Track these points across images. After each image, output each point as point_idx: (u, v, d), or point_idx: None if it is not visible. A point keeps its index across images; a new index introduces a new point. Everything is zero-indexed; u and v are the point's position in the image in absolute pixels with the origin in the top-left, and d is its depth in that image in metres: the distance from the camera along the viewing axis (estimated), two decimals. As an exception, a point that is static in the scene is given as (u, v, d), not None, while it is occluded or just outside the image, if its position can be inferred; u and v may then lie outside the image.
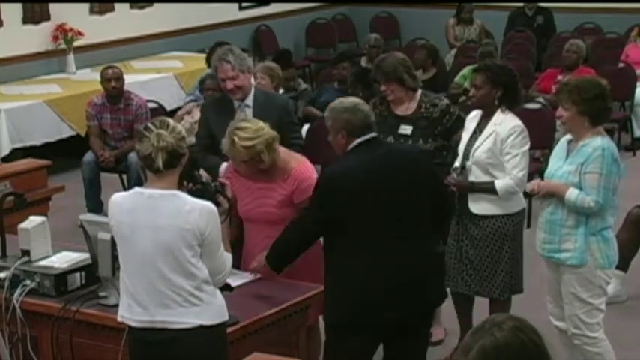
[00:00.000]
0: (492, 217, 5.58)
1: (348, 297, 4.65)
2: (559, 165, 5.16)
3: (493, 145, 5.50)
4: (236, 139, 4.97)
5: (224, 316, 4.25)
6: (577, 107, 5.03)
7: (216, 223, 4.15)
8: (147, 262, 4.12)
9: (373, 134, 4.75)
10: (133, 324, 4.21)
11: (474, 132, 5.64)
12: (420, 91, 6.02)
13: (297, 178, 5.08)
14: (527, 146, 5.54)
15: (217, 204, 4.32)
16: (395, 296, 4.60)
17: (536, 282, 6.04)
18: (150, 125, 4.15)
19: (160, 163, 4.07)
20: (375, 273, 4.60)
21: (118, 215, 4.18)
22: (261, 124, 5.07)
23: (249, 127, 5.01)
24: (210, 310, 4.18)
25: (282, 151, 5.17)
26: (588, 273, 5.10)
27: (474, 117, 5.71)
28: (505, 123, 5.52)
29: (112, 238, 4.35)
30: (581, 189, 5.03)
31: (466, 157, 5.61)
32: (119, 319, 4.28)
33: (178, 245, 4.08)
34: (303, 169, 5.14)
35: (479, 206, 5.58)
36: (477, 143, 5.56)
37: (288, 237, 4.82)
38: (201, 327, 4.15)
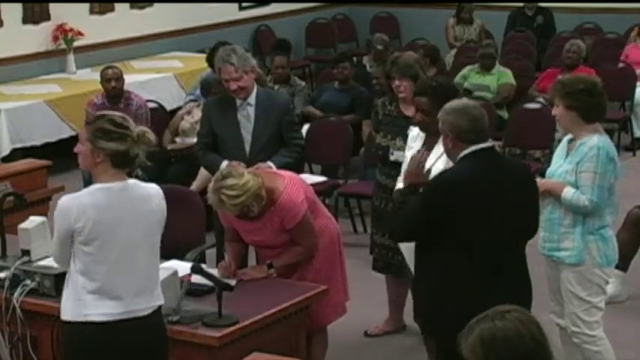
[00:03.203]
0: None
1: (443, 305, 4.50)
2: (559, 164, 5.18)
3: (446, 165, 5.07)
4: (224, 197, 4.89)
5: None
6: (564, 102, 5.07)
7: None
8: (127, 253, 4.18)
9: (489, 144, 4.57)
10: (104, 319, 4.19)
11: (418, 152, 5.23)
12: None
13: (282, 209, 5.05)
14: None
15: None
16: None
17: (537, 282, 6.03)
18: (123, 122, 4.19)
19: (143, 159, 4.21)
20: (470, 286, 4.46)
21: (91, 215, 4.14)
22: (245, 176, 4.94)
23: (236, 184, 4.89)
24: (160, 291, 4.32)
25: (266, 177, 5.09)
26: (586, 271, 5.11)
27: (416, 136, 5.45)
28: None
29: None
30: (577, 187, 5.04)
31: None
32: (81, 318, 4.19)
33: (154, 229, 4.27)
34: (287, 197, 5.06)
35: None
36: (428, 164, 5.14)
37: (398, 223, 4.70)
38: (159, 307, 4.31)
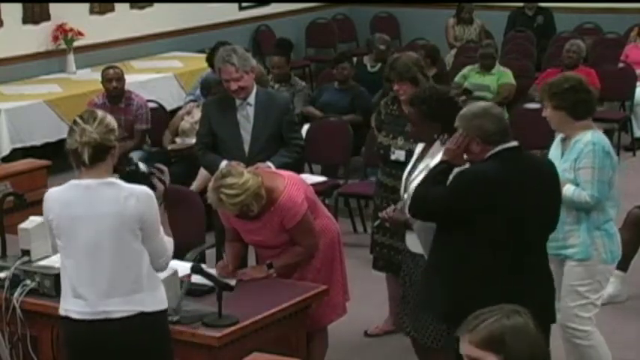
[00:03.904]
0: None
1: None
2: (555, 164, 5.19)
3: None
4: (223, 197, 4.88)
5: (164, 304, 4.30)
6: (551, 103, 5.12)
7: (153, 205, 4.21)
8: (90, 252, 4.16)
9: (515, 143, 4.55)
10: (76, 316, 4.22)
11: (417, 159, 5.20)
12: None
13: (281, 209, 5.05)
14: None
15: (153, 187, 4.34)
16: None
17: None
18: (77, 119, 4.19)
19: (85, 157, 4.12)
20: (496, 281, 4.44)
21: (56, 209, 4.20)
22: (245, 175, 4.94)
23: (235, 183, 4.88)
24: (151, 297, 4.23)
25: (266, 177, 5.09)
26: (591, 267, 5.14)
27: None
28: (438, 156, 4.92)
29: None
30: (577, 185, 5.06)
31: (405, 188, 5.16)
32: (63, 313, 4.28)
33: (121, 232, 4.14)
34: (287, 197, 5.06)
35: (416, 243, 5.05)
36: (413, 175, 5.10)
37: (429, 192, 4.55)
38: (142, 314, 4.20)
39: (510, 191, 4.46)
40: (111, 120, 4.23)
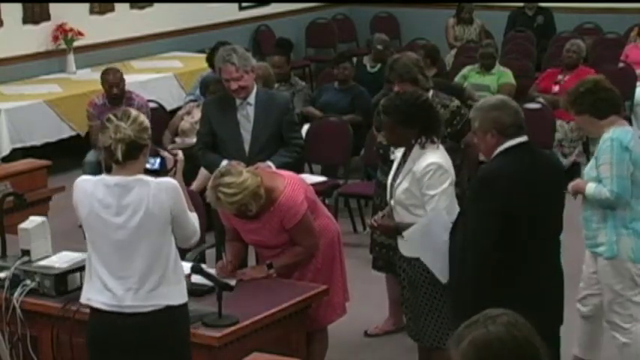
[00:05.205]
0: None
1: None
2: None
3: (410, 184, 5.00)
4: (221, 195, 4.89)
5: (186, 297, 4.30)
6: (573, 110, 5.21)
7: (180, 196, 4.21)
8: (120, 250, 4.16)
9: (525, 138, 4.61)
10: (102, 307, 4.22)
11: (399, 165, 5.16)
12: (431, 92, 6.00)
13: (281, 209, 5.06)
14: (448, 182, 4.98)
15: (162, 157, 4.36)
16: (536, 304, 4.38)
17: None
18: (111, 116, 4.19)
19: (119, 154, 4.12)
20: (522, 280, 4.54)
21: (86, 205, 4.20)
22: (244, 174, 4.94)
23: (234, 182, 4.88)
24: (175, 292, 4.23)
25: (266, 177, 5.10)
26: (620, 265, 5.19)
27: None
28: (421, 160, 4.97)
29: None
30: (600, 182, 5.13)
31: (390, 194, 5.17)
32: (84, 301, 4.30)
33: (151, 229, 4.15)
34: (287, 197, 5.06)
35: (409, 247, 5.09)
36: (398, 180, 5.08)
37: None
38: (169, 307, 4.21)
39: (525, 192, 4.52)
40: (144, 119, 4.24)
